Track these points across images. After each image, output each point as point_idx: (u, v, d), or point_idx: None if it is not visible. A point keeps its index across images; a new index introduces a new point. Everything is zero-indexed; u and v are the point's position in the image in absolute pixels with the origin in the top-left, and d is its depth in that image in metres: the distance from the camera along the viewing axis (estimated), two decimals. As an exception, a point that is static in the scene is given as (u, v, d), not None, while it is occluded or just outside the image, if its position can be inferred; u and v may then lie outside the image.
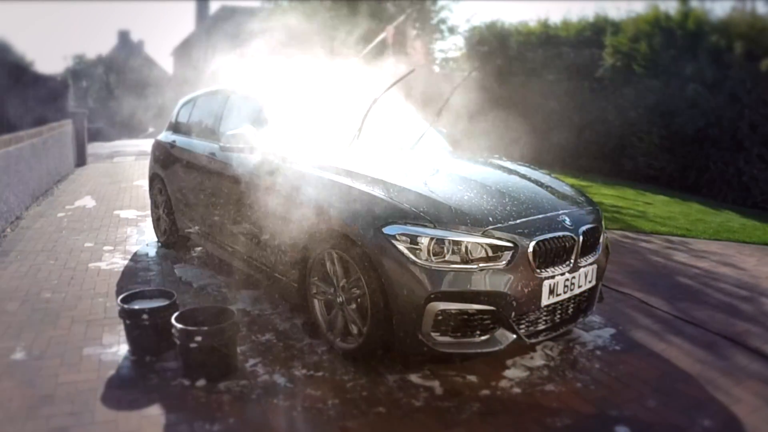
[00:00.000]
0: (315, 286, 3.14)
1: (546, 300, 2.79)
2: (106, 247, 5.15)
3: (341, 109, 4.08)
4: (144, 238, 5.48)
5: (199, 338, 2.70)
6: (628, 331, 3.46)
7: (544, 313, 2.88)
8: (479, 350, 2.73)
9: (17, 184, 6.57)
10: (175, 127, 5.20)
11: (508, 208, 2.87)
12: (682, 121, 9.15)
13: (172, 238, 5.04)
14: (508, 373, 2.88)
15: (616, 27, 10.27)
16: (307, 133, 3.72)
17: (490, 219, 2.75)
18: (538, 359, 3.03)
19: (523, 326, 2.79)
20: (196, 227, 4.52)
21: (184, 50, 38.10)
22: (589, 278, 3.02)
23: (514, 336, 2.75)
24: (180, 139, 4.90)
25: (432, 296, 2.61)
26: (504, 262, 2.68)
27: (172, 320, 2.82)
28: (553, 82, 10.99)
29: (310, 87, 4.31)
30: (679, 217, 6.90)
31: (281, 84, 4.32)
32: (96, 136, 20.42)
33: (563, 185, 3.49)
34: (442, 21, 14.10)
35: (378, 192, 2.89)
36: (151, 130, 29.84)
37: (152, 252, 5.06)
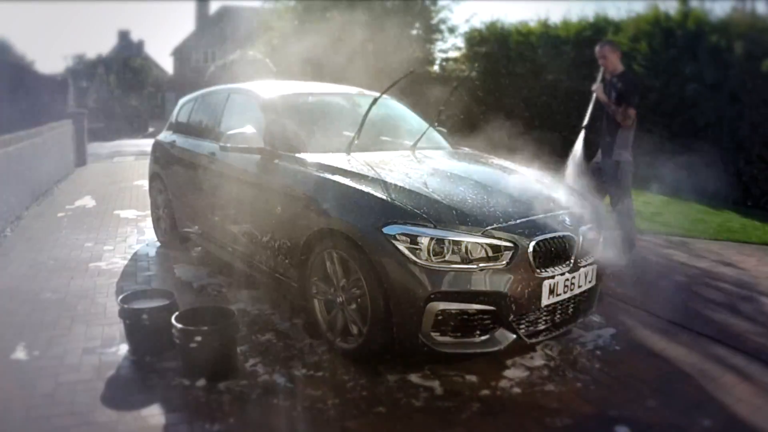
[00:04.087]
0: (315, 286, 3.14)
1: (546, 300, 2.79)
2: (106, 247, 5.15)
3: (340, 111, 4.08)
4: (144, 238, 5.49)
5: (199, 338, 2.70)
6: (628, 331, 3.46)
7: (544, 313, 2.88)
8: (479, 350, 2.73)
9: (17, 184, 6.57)
10: (175, 127, 5.20)
11: (508, 208, 2.86)
12: (682, 121, 9.14)
13: (172, 238, 5.04)
14: (508, 373, 2.88)
15: (616, 27, 10.26)
16: (306, 133, 3.73)
17: (490, 219, 2.75)
18: (538, 359, 3.02)
19: (523, 326, 2.79)
20: (196, 227, 4.52)
21: (184, 50, 38.12)
22: (589, 278, 3.02)
23: (514, 336, 2.74)
24: (180, 139, 4.90)
25: (432, 296, 2.61)
26: (504, 262, 2.67)
27: (172, 320, 2.82)
28: (553, 82, 10.98)
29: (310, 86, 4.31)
30: (679, 217, 6.89)
31: (279, 84, 4.31)
32: (96, 136, 20.42)
33: (563, 185, 3.49)
34: (443, 21, 14.11)
35: (378, 192, 2.89)
36: (151, 130, 29.86)
37: (152, 252, 5.06)
